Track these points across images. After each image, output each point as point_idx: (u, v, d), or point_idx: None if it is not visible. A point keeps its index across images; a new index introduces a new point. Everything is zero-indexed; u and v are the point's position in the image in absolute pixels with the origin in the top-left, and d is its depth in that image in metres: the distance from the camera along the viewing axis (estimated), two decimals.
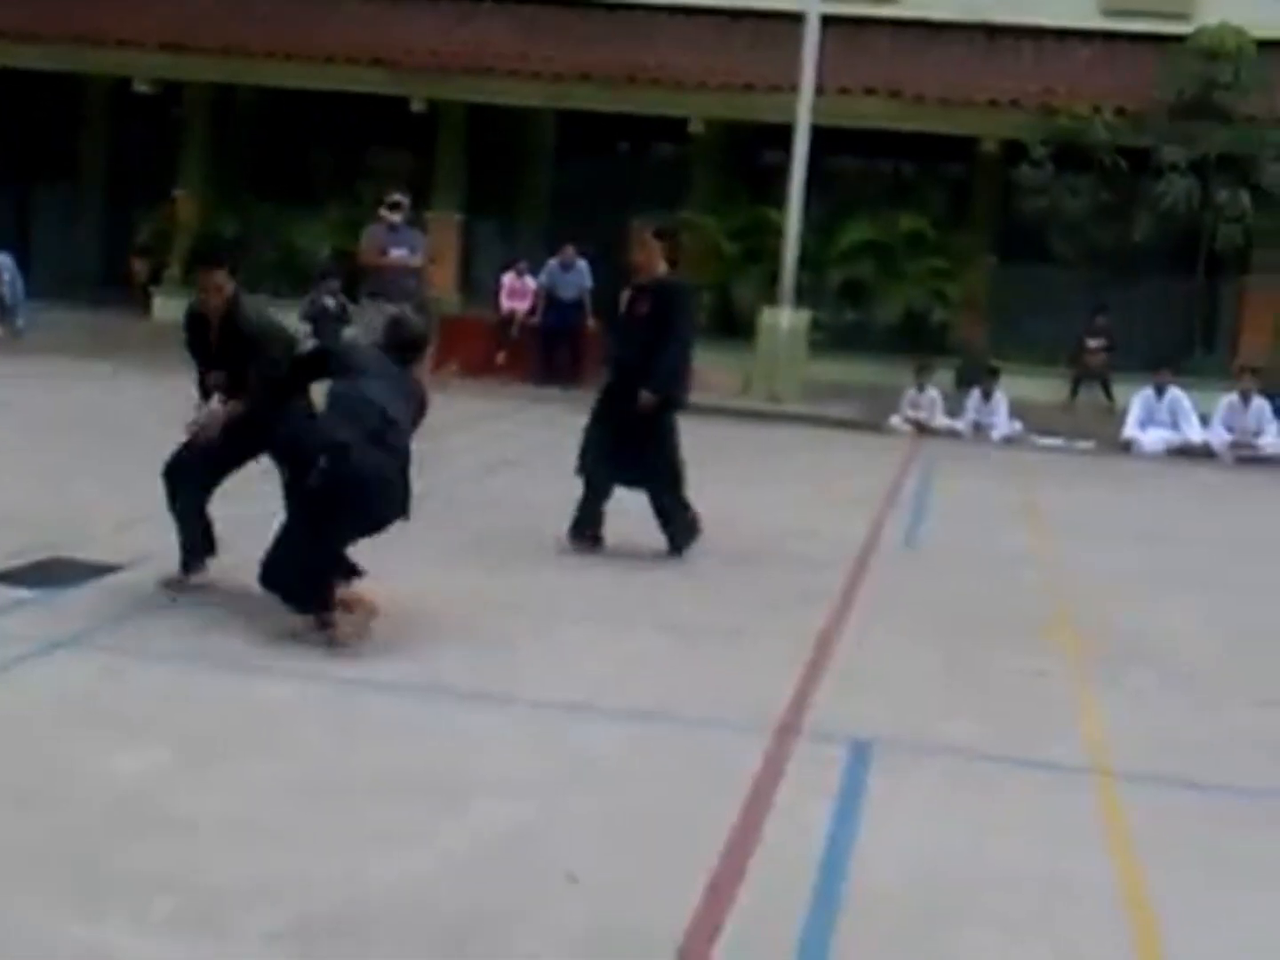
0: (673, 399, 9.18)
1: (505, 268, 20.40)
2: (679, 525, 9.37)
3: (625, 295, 9.46)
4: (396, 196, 15.17)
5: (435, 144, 21.76)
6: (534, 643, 7.21)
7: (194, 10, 21.16)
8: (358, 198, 20.55)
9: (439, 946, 4.11)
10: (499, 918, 4.28)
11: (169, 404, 7.82)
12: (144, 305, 21.91)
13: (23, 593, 7.26)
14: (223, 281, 7.64)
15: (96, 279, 22.97)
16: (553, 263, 19.62)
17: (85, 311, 20.96)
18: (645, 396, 8.95)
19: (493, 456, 13.13)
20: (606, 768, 5.59)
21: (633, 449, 9.14)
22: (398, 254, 14.81)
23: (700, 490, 12.02)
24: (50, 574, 7.61)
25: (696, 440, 15.52)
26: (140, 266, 22.33)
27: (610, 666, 6.91)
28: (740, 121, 20.51)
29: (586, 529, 9.36)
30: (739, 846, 4.92)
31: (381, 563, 7.23)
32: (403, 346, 7.41)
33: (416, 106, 20.64)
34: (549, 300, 19.58)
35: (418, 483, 7.24)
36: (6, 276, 19.79)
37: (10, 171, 22.92)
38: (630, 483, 9.35)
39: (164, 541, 8.33)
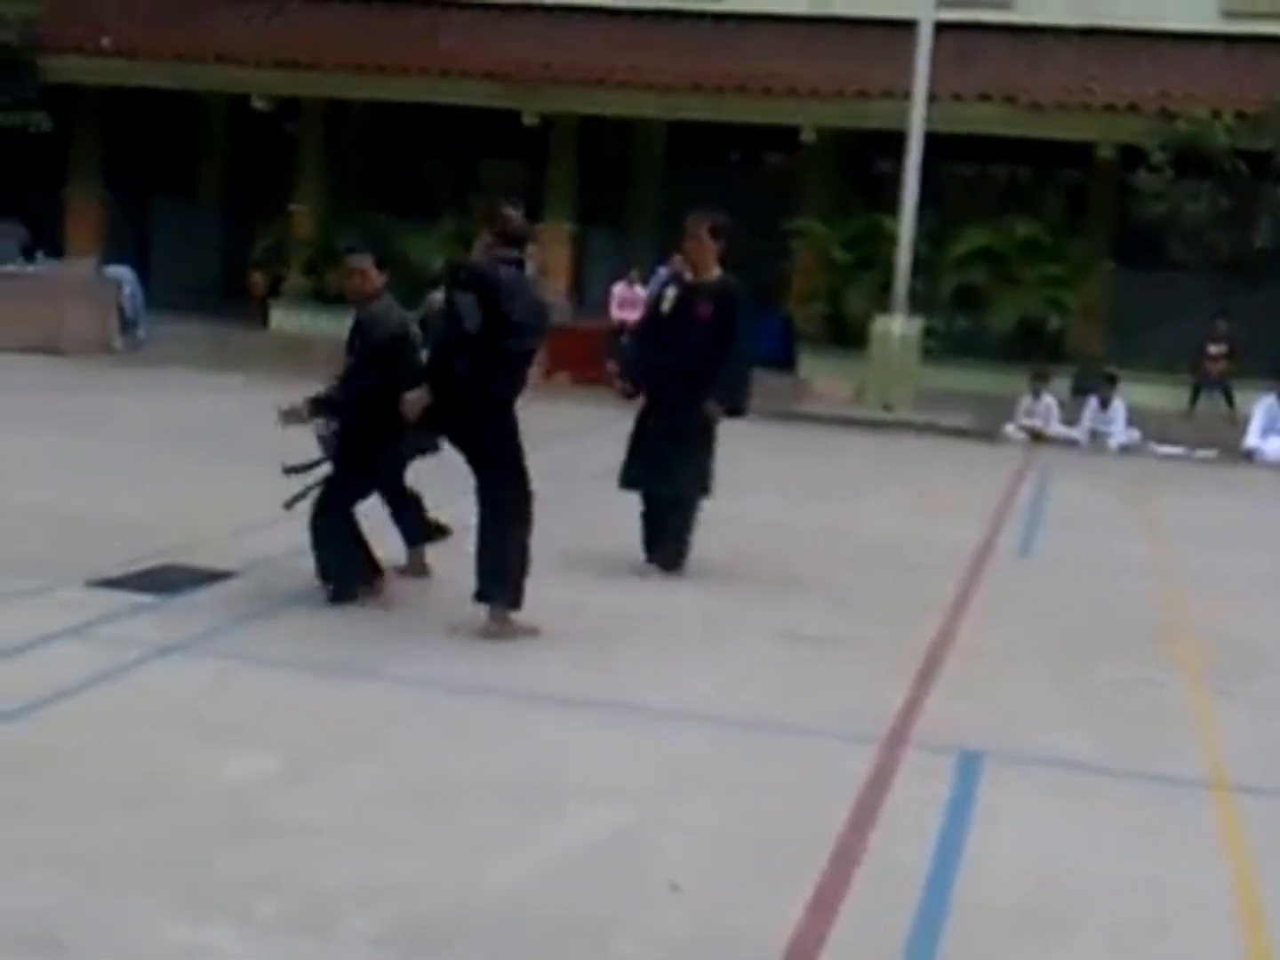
0: (737, 409, 8.77)
1: (616, 278, 20.43)
2: (671, 542, 8.82)
3: (670, 293, 8.89)
4: (509, 210, 15.17)
5: (547, 155, 21.86)
6: (639, 650, 7.20)
7: (309, 27, 21.47)
8: (470, 210, 20.65)
9: (539, 951, 4.10)
10: (599, 924, 4.26)
11: None
12: (262, 317, 22.24)
13: (139, 598, 7.37)
14: (366, 266, 7.71)
15: (216, 292, 23.35)
16: (663, 272, 19.57)
17: (204, 324, 21.31)
18: (712, 407, 8.50)
19: (599, 465, 13.10)
20: (711, 775, 5.56)
21: (663, 454, 8.61)
22: None
23: (813, 499, 12.04)
24: (165, 580, 7.73)
25: (810, 449, 15.60)
26: (258, 279, 22.68)
27: (717, 675, 6.88)
28: (852, 129, 20.40)
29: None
30: (845, 856, 4.86)
31: None
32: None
33: (528, 119, 20.75)
34: None
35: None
36: (127, 290, 20.19)
37: (133, 187, 23.37)
38: (645, 484, 8.82)
39: (275, 547, 8.48)
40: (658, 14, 21.47)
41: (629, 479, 8.90)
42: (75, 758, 5.26)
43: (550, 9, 21.57)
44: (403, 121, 22.37)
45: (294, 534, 8.88)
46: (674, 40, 20.88)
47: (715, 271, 8.76)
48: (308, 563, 8.26)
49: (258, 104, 21.46)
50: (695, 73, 20.04)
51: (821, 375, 19.90)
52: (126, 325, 20.19)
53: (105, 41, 20.91)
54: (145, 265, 22.46)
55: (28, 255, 20.59)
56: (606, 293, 20.47)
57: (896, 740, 6.06)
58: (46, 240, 21.59)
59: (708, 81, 19.89)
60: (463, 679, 6.48)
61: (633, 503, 11.17)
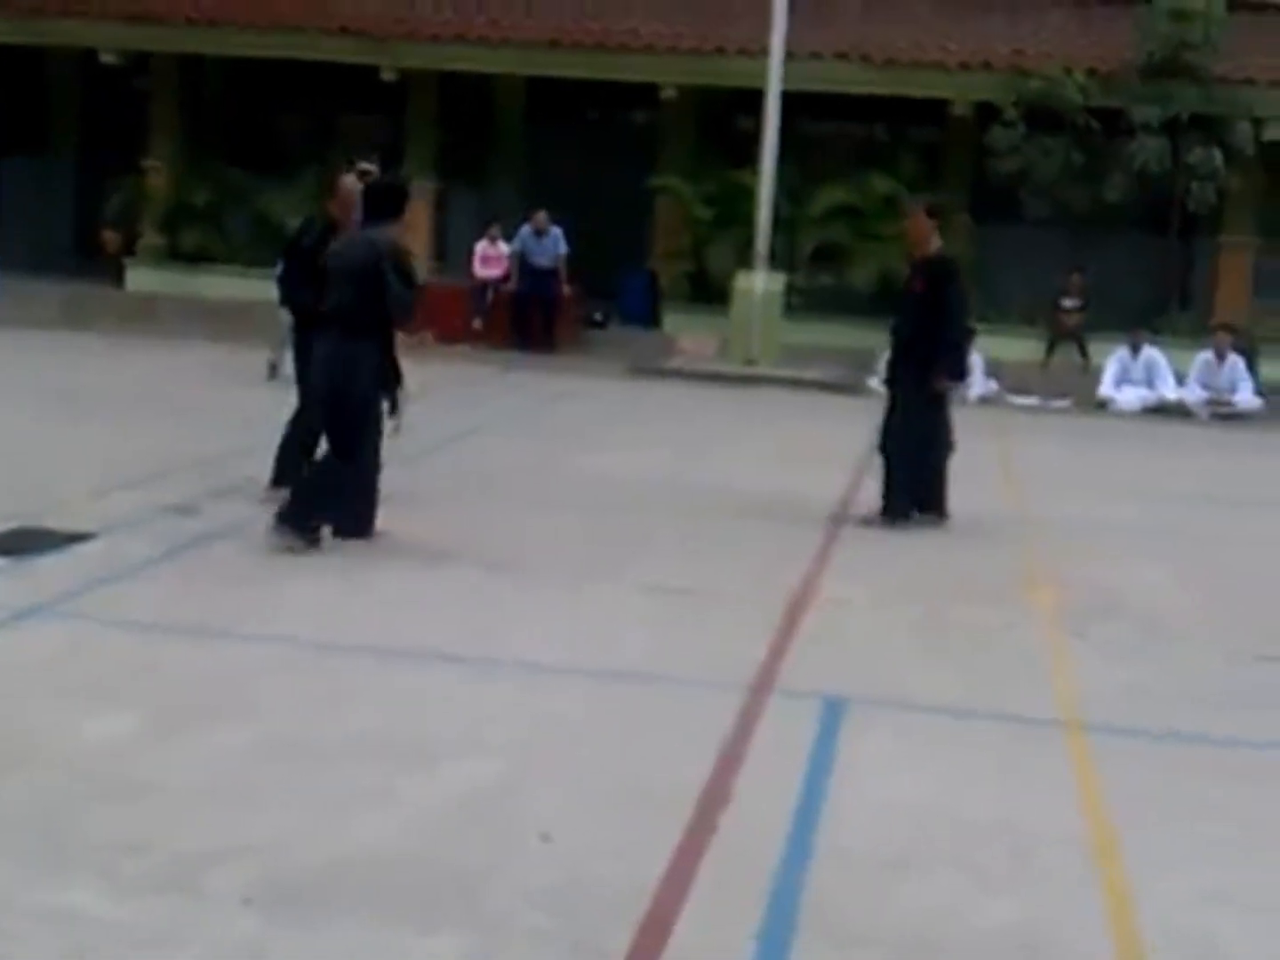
0: (956, 376, 9.72)
1: (479, 236, 20.31)
2: (895, 494, 9.54)
3: (906, 272, 10.01)
4: (364, 165, 14.93)
5: (406, 111, 21.62)
6: (506, 604, 7.20)
7: None
8: (330, 165, 20.37)
9: (409, 905, 4.10)
10: (469, 876, 4.27)
11: (140, 374, 7.77)
12: (117, 276, 21.77)
13: None
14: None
15: (69, 251, 22.80)
16: (525, 229, 19.55)
17: (59, 284, 20.82)
18: (938, 381, 9.36)
19: (463, 425, 13.07)
20: (579, 726, 5.58)
21: (899, 420, 9.53)
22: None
23: (677, 454, 12.11)
24: (20, 543, 7.57)
25: (674, 405, 15.68)
26: (112, 237, 22.16)
27: (582, 627, 6.91)
28: (712, 87, 20.40)
29: (929, 505, 9.65)
30: (711, 803, 4.91)
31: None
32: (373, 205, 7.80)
33: (387, 75, 20.49)
34: (523, 267, 19.50)
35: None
36: None
37: None
38: (881, 449, 9.68)
39: (134, 509, 8.38)
40: None
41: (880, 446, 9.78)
42: None
43: None
44: (260, 76, 21.96)
45: (152, 495, 8.83)
46: None
47: (933, 248, 9.52)
48: (166, 524, 8.21)
49: (106, 59, 20.93)
50: (554, 29, 19.93)
51: (686, 332, 19.97)
52: None
53: None
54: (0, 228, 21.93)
55: None
56: (469, 251, 20.33)
57: (761, 688, 6.13)
58: None
59: (566, 38, 19.80)
60: (326, 637, 6.44)
61: (496, 457, 11.18)
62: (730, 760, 5.31)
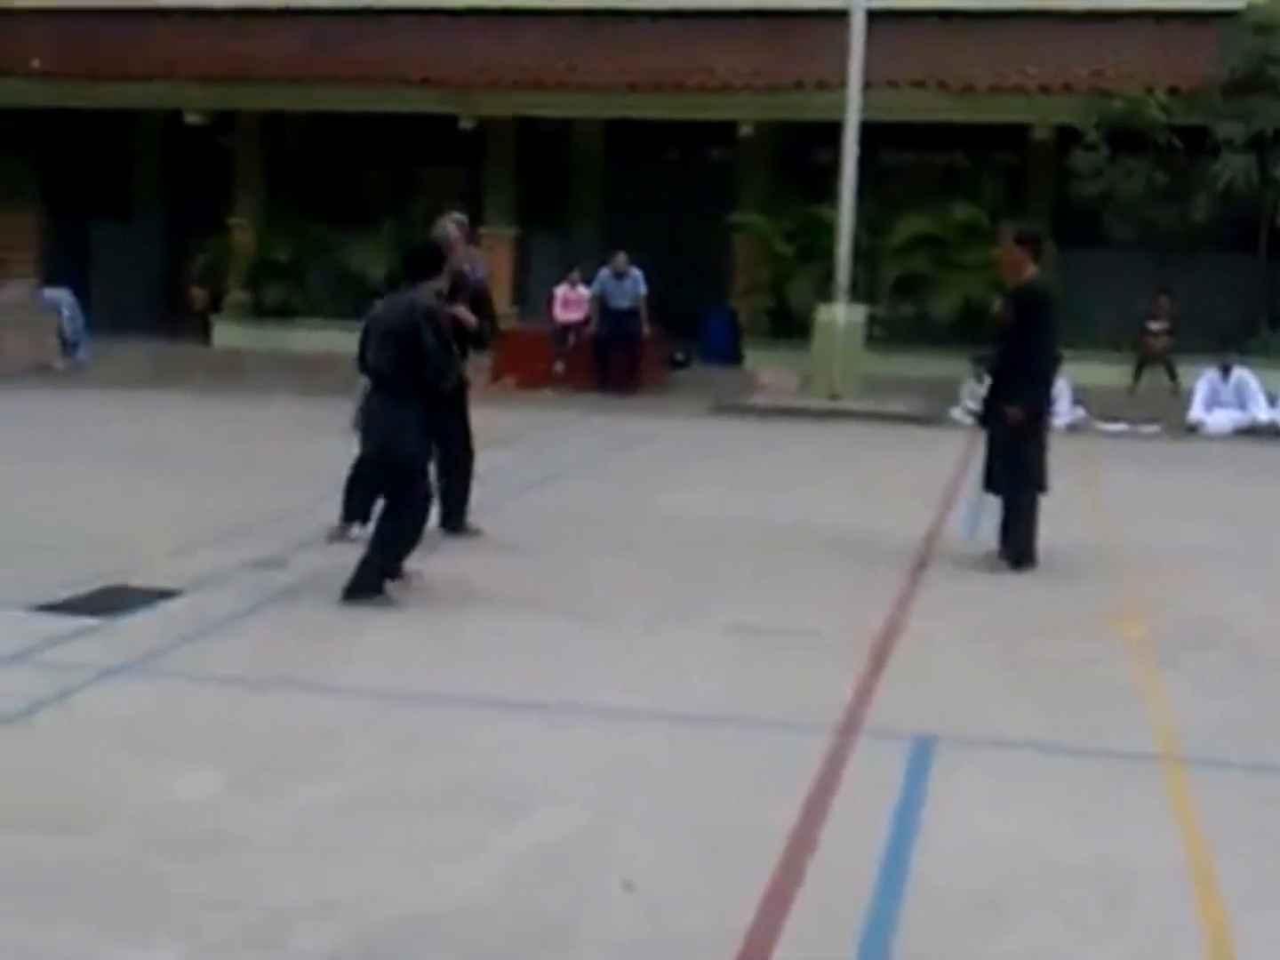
0: (1034, 409, 9.16)
1: (559, 280, 20.40)
2: (1015, 536, 9.20)
3: (998, 303, 9.88)
4: (456, 215, 14.91)
5: (485, 159, 21.79)
6: (588, 649, 7.18)
7: (239, 39, 21.31)
8: (410, 217, 20.66)
9: (497, 958, 4.06)
10: (556, 927, 4.23)
11: (226, 429, 7.84)
12: (204, 333, 22.10)
13: (82, 620, 7.30)
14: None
15: (159, 309, 23.18)
16: (604, 272, 19.60)
17: (147, 342, 21.16)
18: (1012, 412, 8.99)
19: (545, 469, 13.09)
20: (663, 772, 5.54)
21: (997, 455, 9.28)
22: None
23: (759, 490, 12.05)
24: (108, 602, 7.64)
25: (756, 441, 15.61)
26: (198, 294, 22.52)
27: (667, 670, 6.86)
28: (789, 121, 20.40)
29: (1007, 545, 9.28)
30: (799, 847, 4.85)
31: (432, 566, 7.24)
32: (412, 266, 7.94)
33: (465, 124, 20.68)
34: (603, 309, 19.55)
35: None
36: (66, 312, 20.06)
37: (71, 208, 23.16)
38: (992, 489, 9.42)
39: (219, 564, 8.46)
40: (591, 14, 21.40)
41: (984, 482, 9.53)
42: (15, 784, 5.19)
43: (484, 12, 21.47)
44: (339, 131, 22.27)
45: (237, 550, 8.90)
46: (607, 40, 20.83)
47: (1026, 276, 9.21)
48: (250, 578, 8.27)
49: (191, 119, 21.29)
50: (629, 71, 20.03)
51: (767, 367, 19.92)
52: (67, 347, 20.04)
53: (34, 64, 20.69)
54: (86, 287, 22.34)
55: None
56: (549, 295, 20.43)
57: (848, 729, 6.06)
58: None
59: (642, 80, 19.88)
60: (408, 687, 6.44)
61: (581, 500, 11.19)
62: (817, 803, 5.24)
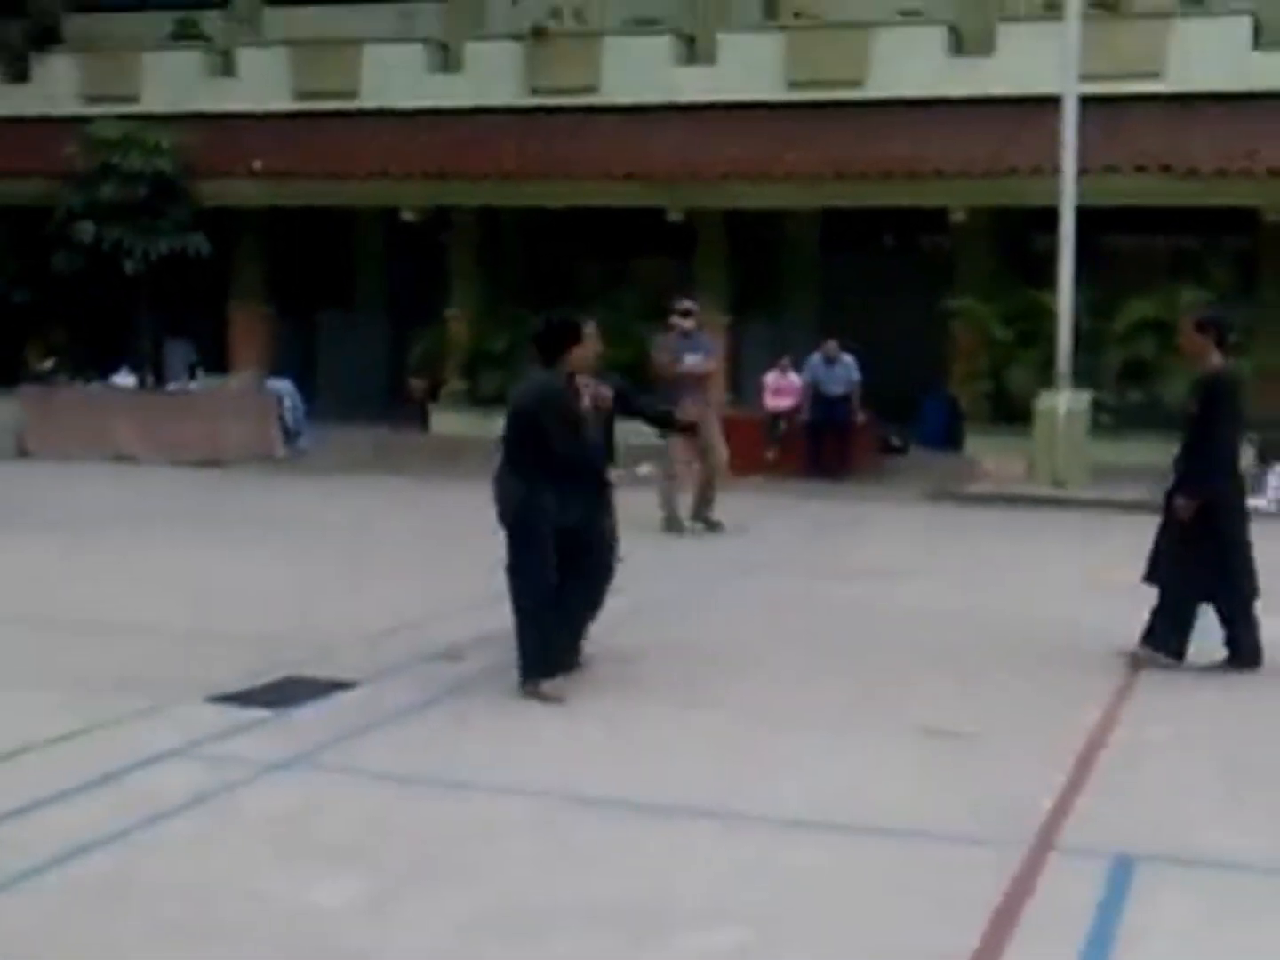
0: (1215, 499, 8.47)
1: (770, 366, 20.13)
2: (1242, 637, 8.56)
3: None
4: (687, 304, 14.54)
5: (696, 249, 21.72)
6: (764, 751, 6.79)
7: (452, 140, 21.64)
8: (619, 306, 20.67)
9: None
10: None
11: (435, 514, 7.67)
12: (423, 421, 22.38)
13: (254, 713, 7.20)
14: None
15: (379, 399, 23.54)
16: (815, 358, 19.27)
17: (368, 430, 21.46)
18: (1181, 505, 8.43)
19: (747, 557, 12.77)
20: (834, 889, 5.13)
21: (1197, 555, 8.53)
22: (692, 360, 14.15)
23: (974, 583, 11.51)
24: (283, 694, 7.54)
25: (976, 530, 15.04)
26: (417, 385, 22.81)
27: (846, 777, 6.43)
28: (1005, 207, 19.90)
29: (1164, 641, 8.64)
30: None
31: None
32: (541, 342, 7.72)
33: (673, 216, 20.64)
34: (815, 396, 19.21)
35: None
36: (288, 402, 20.44)
37: (296, 302, 23.76)
38: (1203, 595, 8.68)
39: (404, 654, 8.33)
40: (798, 106, 21.27)
41: (1175, 588, 8.70)
42: (156, 889, 5.02)
43: (691, 108, 21.47)
44: (551, 224, 22.44)
45: (423, 639, 8.74)
46: (815, 129, 20.62)
47: (1210, 364, 8.63)
48: (429, 670, 8.10)
49: (406, 216, 21.67)
50: (838, 160, 19.74)
51: (988, 454, 19.31)
52: (289, 436, 20.41)
53: (256, 165, 21.31)
54: (312, 377, 22.84)
55: (191, 373, 21.04)
56: (760, 382, 20.16)
57: (1041, 845, 5.56)
58: (211, 358, 22.04)
59: (850, 169, 19.58)
60: (571, 789, 6.14)
61: (777, 590, 10.82)
62: (999, 927, 4.78)
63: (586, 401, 7.67)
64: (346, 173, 21.24)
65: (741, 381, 21.61)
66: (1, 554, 11.92)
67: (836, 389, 19.10)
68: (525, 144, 21.17)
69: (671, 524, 13.94)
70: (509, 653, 7.76)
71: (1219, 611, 8.68)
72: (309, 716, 7.17)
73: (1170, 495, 8.67)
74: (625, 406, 8.33)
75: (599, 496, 7.92)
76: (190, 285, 22.32)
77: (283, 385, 20.70)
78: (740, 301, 21.94)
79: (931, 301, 20.06)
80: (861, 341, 19.48)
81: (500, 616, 8.67)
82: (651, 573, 9.41)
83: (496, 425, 21.96)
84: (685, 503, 14.08)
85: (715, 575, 11.60)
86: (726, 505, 14.18)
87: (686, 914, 4.88)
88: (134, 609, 9.76)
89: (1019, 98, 20.03)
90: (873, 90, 21.15)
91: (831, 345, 19.18)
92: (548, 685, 7.51)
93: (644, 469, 19.85)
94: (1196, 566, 8.55)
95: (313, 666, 8.10)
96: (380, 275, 24.33)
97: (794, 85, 21.44)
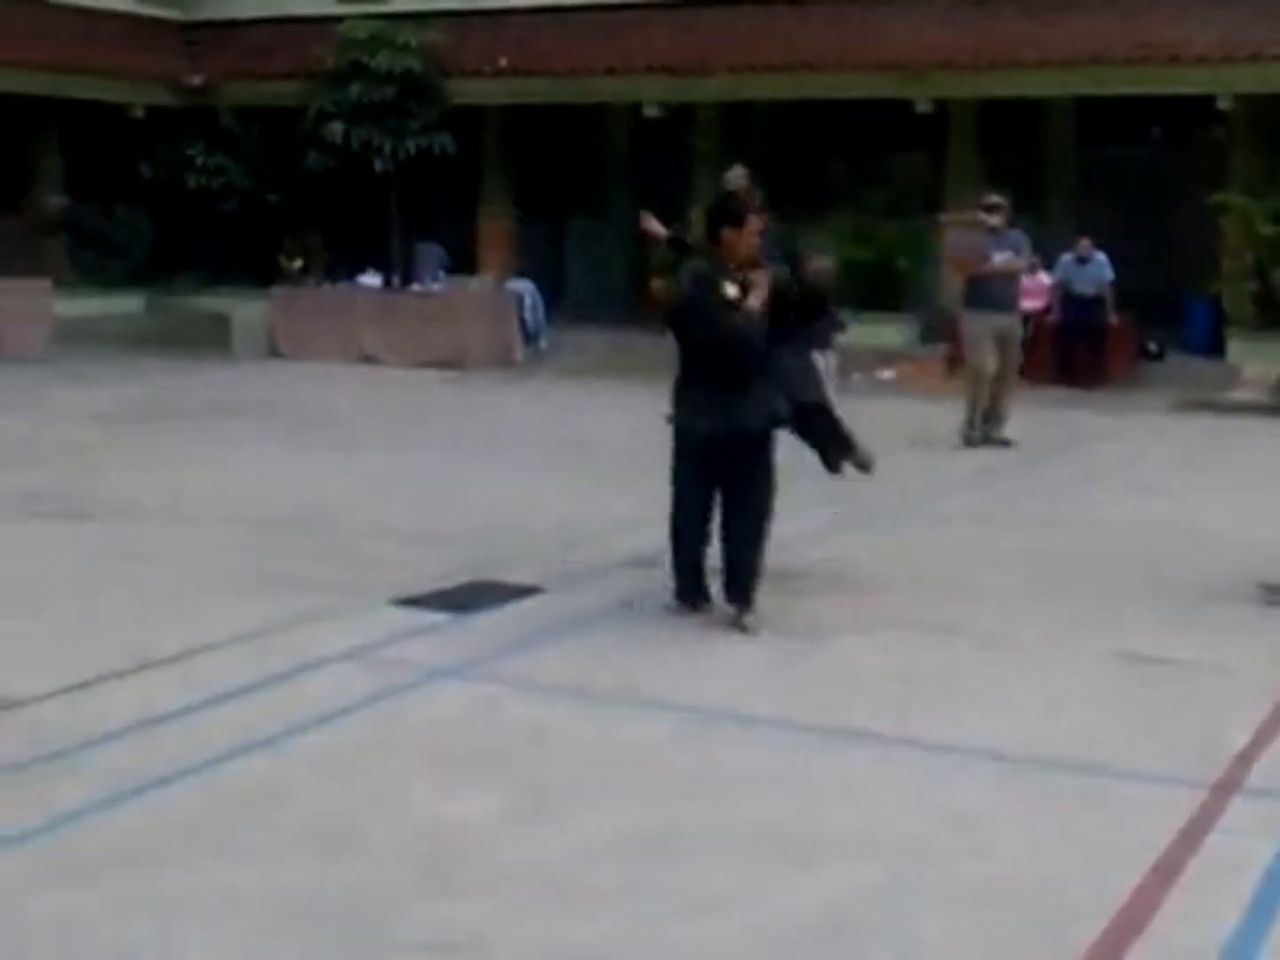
0: None
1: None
2: None
3: None
4: (994, 198, 13.74)
5: (946, 145, 20.96)
6: (949, 673, 6.51)
7: (695, 33, 21.24)
8: (864, 205, 20.13)
9: None
10: None
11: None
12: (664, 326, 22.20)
13: (434, 616, 7.19)
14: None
15: (623, 302, 23.46)
16: (1067, 257, 18.44)
17: (610, 334, 21.40)
18: None
19: (978, 466, 12.33)
20: (985, 825, 4.86)
21: None
22: (1001, 258, 13.45)
23: (1212, 496, 10.85)
24: (466, 598, 7.51)
25: (1214, 443, 14.24)
26: (658, 286, 22.61)
27: (1027, 706, 6.11)
28: (1276, 94, 18.66)
29: None
30: (1125, 928, 4.12)
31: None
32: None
33: (922, 107, 19.94)
34: (1066, 297, 18.42)
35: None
36: (529, 301, 20.52)
37: (543, 206, 23.74)
38: None
39: (596, 561, 8.23)
40: None
41: None
42: (306, 795, 5.03)
43: None
44: (796, 120, 21.92)
45: (623, 545, 8.60)
46: (1070, 11, 19.60)
47: None
48: (621, 577, 7.98)
49: (649, 112, 21.40)
50: (1093, 45, 18.72)
51: (1252, 360, 18.28)
52: (529, 338, 20.50)
53: (501, 62, 21.27)
54: (561, 280, 22.83)
55: (439, 276, 21.22)
56: None
57: (1226, 788, 5.19)
58: (460, 261, 22.21)
59: (1107, 54, 18.55)
60: (735, 709, 5.96)
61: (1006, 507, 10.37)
62: (1158, 876, 4.46)
63: (732, 290, 7.01)
64: (590, 69, 21.04)
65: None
66: (222, 451, 12.23)
67: (1088, 289, 18.29)
68: (769, 35, 20.63)
69: (976, 434, 13.25)
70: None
71: None
72: (487, 623, 7.13)
73: None
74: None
75: (755, 398, 7.08)
76: (439, 187, 22.49)
77: (523, 285, 20.77)
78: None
79: (1201, 198, 18.99)
80: (1124, 240, 18.58)
81: None
82: (877, 482, 9.06)
83: None
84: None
85: (935, 488, 11.23)
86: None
87: (826, 846, 4.68)
88: (354, 508, 9.90)
89: None
90: None
91: (1084, 243, 18.35)
92: (676, 607, 7.26)
93: (887, 373, 19.46)
94: None
95: (506, 570, 8.06)
96: (628, 176, 24.12)
97: None
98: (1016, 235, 13.84)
